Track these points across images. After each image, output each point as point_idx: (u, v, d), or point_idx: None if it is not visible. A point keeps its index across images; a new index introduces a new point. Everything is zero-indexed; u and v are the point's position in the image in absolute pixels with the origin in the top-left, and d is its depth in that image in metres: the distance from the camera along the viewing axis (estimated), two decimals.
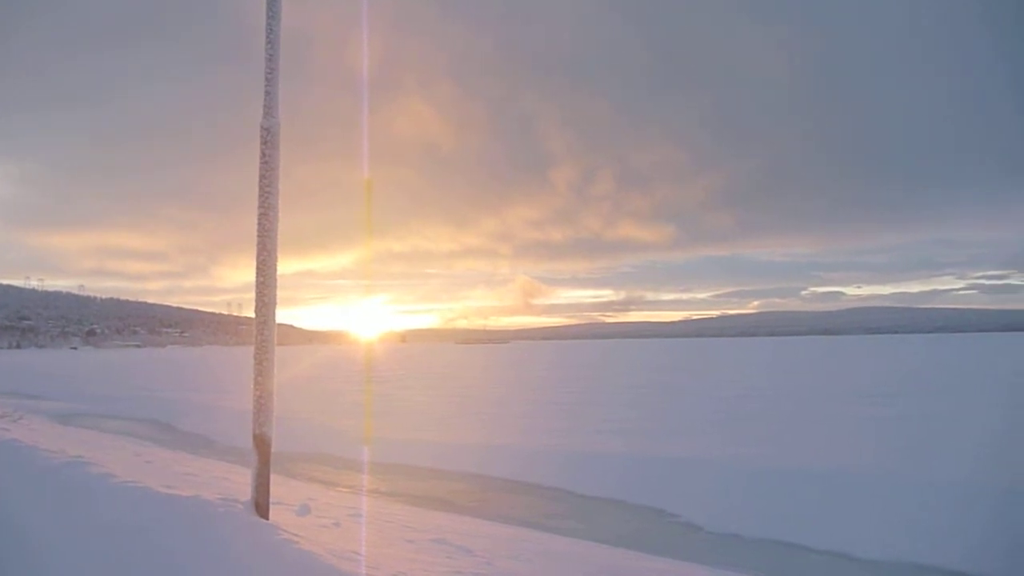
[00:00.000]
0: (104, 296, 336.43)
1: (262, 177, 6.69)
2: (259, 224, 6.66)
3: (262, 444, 6.55)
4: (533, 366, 77.79)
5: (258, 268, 6.62)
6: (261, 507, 6.58)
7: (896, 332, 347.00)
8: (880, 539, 11.59)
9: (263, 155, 6.70)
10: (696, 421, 25.14)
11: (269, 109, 6.78)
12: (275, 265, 6.67)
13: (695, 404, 31.42)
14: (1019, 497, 12.91)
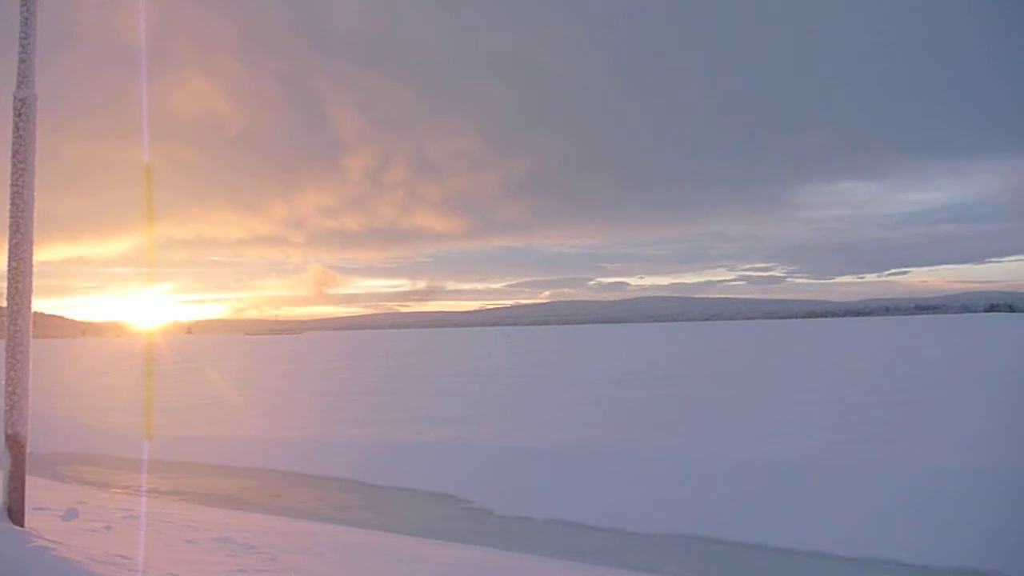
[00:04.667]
0: None
1: (15, 153, 6.09)
2: (12, 204, 6.06)
3: (15, 445, 5.98)
4: (326, 357, 76.35)
5: (11, 253, 6.03)
6: (15, 513, 6.00)
7: (675, 320, 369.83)
8: (652, 514, 12.31)
9: (16, 128, 6.10)
10: (487, 408, 25.61)
11: (24, 78, 6.17)
12: (31, 249, 6.09)
13: (486, 392, 32.01)
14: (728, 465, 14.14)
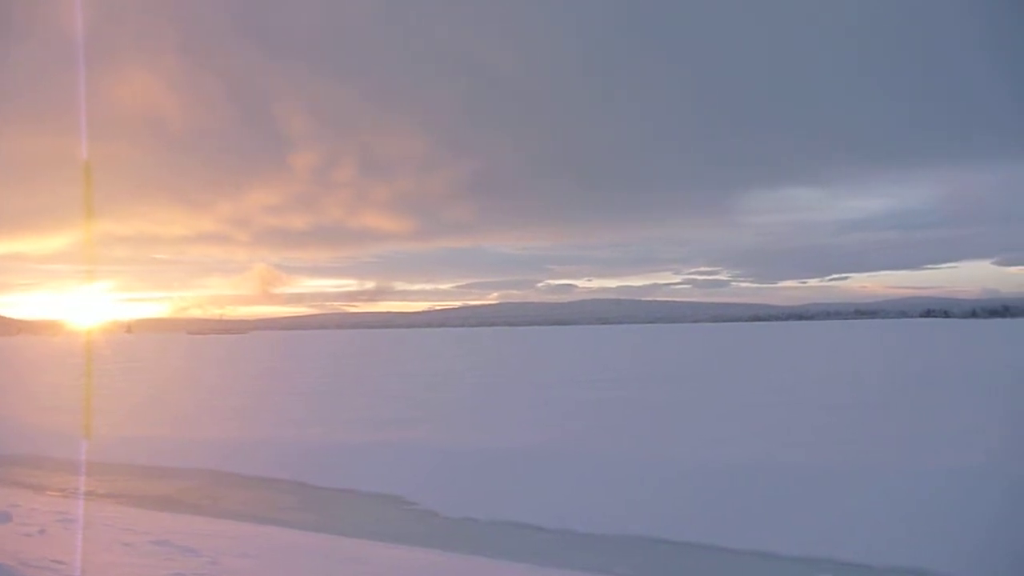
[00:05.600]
0: None
1: None
2: None
3: None
4: (271, 356, 75.43)
5: None
6: None
7: (622, 323, 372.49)
8: (602, 515, 12.39)
9: None
10: (434, 409, 25.53)
11: None
12: None
13: (433, 393, 31.90)
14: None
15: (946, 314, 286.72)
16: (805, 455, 15.12)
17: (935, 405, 22.49)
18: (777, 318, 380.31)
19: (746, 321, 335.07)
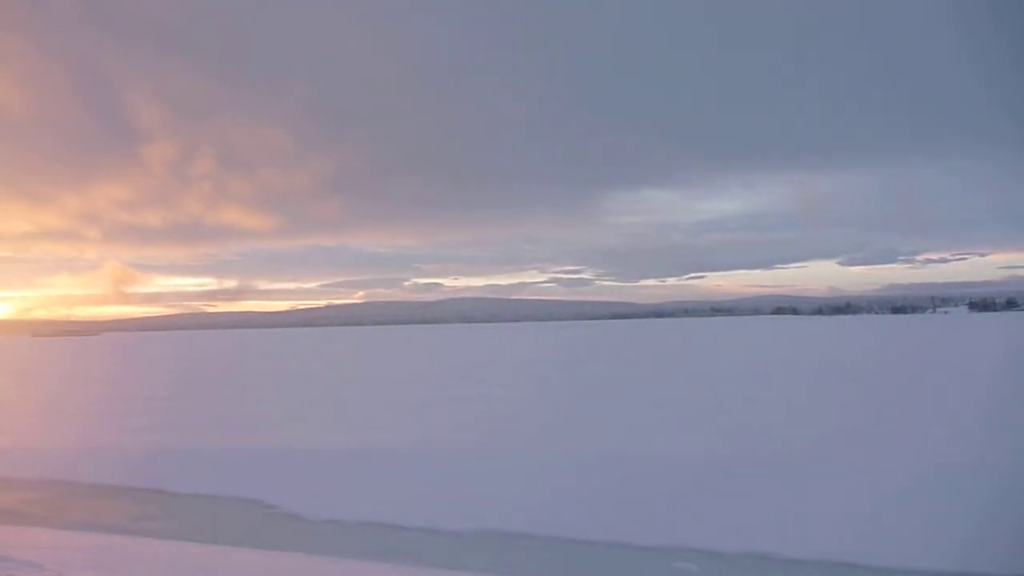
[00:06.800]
0: None
1: None
2: None
3: None
4: (122, 359, 71.92)
5: None
6: None
7: (489, 321, 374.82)
8: (462, 512, 12.47)
9: None
10: (296, 411, 25.05)
11: None
12: None
13: (295, 395, 31.30)
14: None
15: (795, 311, 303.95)
16: (657, 445, 15.69)
17: (784, 399, 23.83)
18: (638, 315, 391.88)
19: (608, 319, 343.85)
